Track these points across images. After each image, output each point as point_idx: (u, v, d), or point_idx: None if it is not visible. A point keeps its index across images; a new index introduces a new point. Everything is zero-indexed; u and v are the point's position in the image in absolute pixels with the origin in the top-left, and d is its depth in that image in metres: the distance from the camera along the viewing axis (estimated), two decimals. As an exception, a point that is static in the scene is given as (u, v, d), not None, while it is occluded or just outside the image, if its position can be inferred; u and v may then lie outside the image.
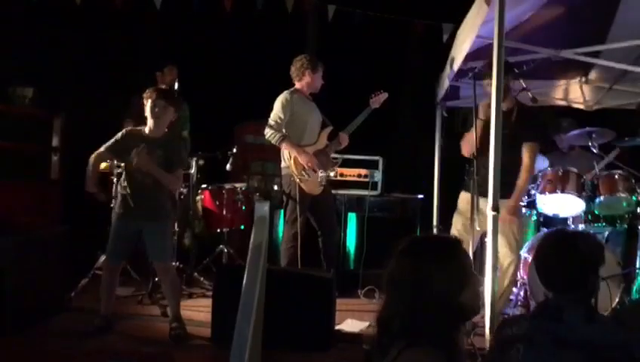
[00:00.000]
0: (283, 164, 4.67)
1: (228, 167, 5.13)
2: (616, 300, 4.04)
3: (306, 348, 3.38)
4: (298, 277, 3.81)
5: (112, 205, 4.63)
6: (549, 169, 4.57)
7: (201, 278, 4.97)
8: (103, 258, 4.24)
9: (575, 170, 4.45)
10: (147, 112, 3.74)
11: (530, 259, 4.29)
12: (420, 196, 5.60)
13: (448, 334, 1.65)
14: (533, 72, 4.39)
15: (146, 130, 3.76)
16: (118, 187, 3.88)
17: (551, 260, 2.06)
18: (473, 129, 3.90)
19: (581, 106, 5.42)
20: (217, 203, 5.12)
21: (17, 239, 3.74)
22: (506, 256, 3.70)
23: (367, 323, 3.92)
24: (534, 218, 4.81)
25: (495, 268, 3.17)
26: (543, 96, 5.17)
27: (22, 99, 5.31)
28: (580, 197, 4.35)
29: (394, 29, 6.37)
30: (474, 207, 3.56)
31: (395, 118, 6.92)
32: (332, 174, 4.92)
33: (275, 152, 4.86)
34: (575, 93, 5.37)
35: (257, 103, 6.33)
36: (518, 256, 3.89)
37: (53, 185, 5.43)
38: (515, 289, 4.19)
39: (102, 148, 3.76)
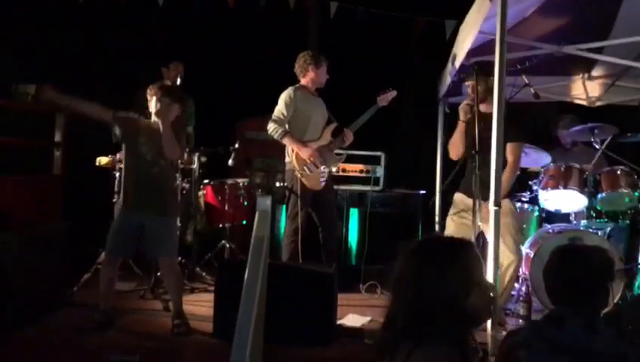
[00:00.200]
0: (286, 159, 4.69)
1: (230, 162, 5.14)
2: (619, 295, 4.04)
3: (308, 343, 3.39)
4: (300, 272, 3.82)
5: (114, 200, 4.64)
6: (551, 165, 4.58)
7: (203, 273, 4.98)
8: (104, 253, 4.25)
9: (577, 165, 4.46)
10: (152, 109, 3.74)
11: (532, 254, 4.30)
12: (422, 192, 5.60)
13: (455, 337, 1.61)
14: (536, 68, 4.39)
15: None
16: (122, 181, 3.88)
17: (561, 273, 2.05)
18: (457, 131, 3.94)
19: (584, 102, 5.42)
20: (219, 198, 5.13)
21: (19, 235, 3.75)
22: (504, 255, 3.69)
23: (368, 318, 3.93)
24: (536, 214, 4.81)
25: (497, 263, 3.18)
26: (546, 92, 5.17)
27: (24, 95, 5.31)
28: (582, 192, 4.36)
29: (396, 25, 6.37)
30: (475, 207, 3.55)
31: (398, 114, 6.91)
32: (334, 170, 4.93)
33: (277, 148, 4.86)
34: (578, 89, 5.37)
35: (259, 99, 6.33)
36: (519, 255, 3.89)
37: (56, 181, 5.44)
38: (516, 285, 4.19)
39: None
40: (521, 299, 4.05)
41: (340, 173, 5.32)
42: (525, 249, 4.43)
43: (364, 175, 5.44)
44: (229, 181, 5.22)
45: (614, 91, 5.24)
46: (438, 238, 1.98)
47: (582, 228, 4.41)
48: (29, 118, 5.32)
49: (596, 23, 4.06)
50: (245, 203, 5.19)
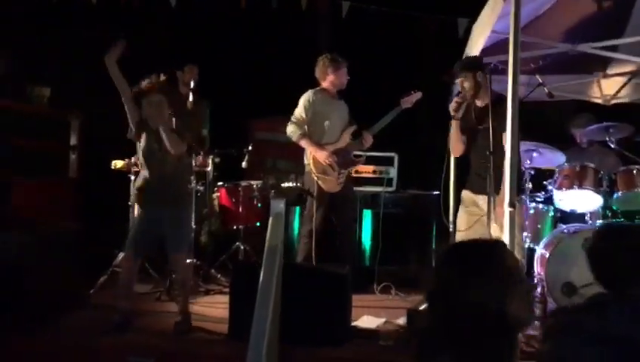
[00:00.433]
0: (305, 162, 4.74)
1: (243, 164, 5.17)
2: None
3: (322, 344, 3.39)
4: (314, 273, 3.83)
5: (129, 203, 4.68)
6: (565, 165, 4.54)
7: (218, 275, 5.00)
8: (121, 255, 4.28)
9: (592, 165, 4.42)
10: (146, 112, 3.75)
11: (547, 255, 4.27)
12: (436, 192, 5.58)
13: (493, 349, 1.48)
14: (550, 66, 4.36)
15: None
16: (137, 180, 3.91)
17: (609, 252, 1.89)
18: (452, 130, 3.97)
19: (599, 101, 5.37)
20: (233, 200, 5.15)
21: (35, 236, 3.79)
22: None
23: (383, 320, 3.92)
24: (551, 214, 4.77)
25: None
26: (560, 91, 5.13)
27: (40, 98, 5.37)
28: (597, 192, 4.32)
29: (408, 24, 6.35)
30: (490, 205, 3.56)
31: (410, 114, 6.90)
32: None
33: (289, 149, 4.89)
34: (593, 87, 5.33)
35: (272, 100, 6.35)
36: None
37: (71, 183, 5.50)
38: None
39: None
40: (536, 299, 4.02)
41: (353, 174, 5.32)
42: (540, 249, 4.40)
43: (376, 176, 5.44)
44: (243, 183, 5.24)
45: (630, 89, 5.20)
46: (465, 243, 1.87)
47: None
48: (44, 121, 5.38)
49: (611, 21, 4.03)
50: (259, 205, 5.20)
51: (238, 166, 5.20)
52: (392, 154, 5.52)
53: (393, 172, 5.49)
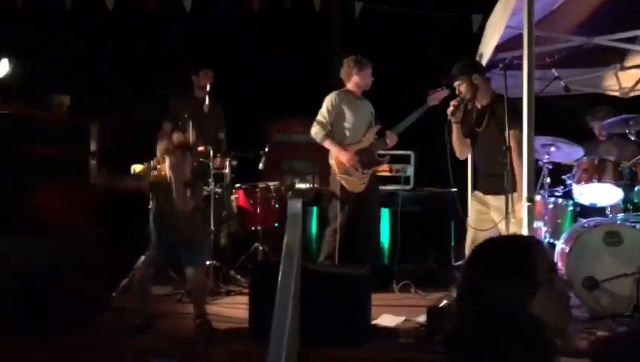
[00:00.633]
0: (330, 162, 4.79)
1: (260, 166, 5.20)
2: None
3: (342, 344, 3.39)
4: (333, 274, 3.83)
5: (149, 206, 4.74)
6: (584, 158, 4.50)
7: (238, 276, 5.03)
8: (142, 258, 4.33)
9: (612, 158, 4.38)
10: (166, 167, 3.83)
11: (567, 249, 4.23)
12: (454, 189, 5.56)
13: (518, 352, 1.38)
14: (566, 60, 4.33)
15: None
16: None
17: None
18: (454, 134, 4.06)
19: (616, 93, 5.31)
20: (251, 201, 5.19)
21: (59, 241, 3.86)
22: None
23: (403, 318, 3.92)
24: (571, 208, 4.73)
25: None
26: (577, 84, 5.08)
27: (59, 106, 5.45)
28: (617, 185, 4.27)
29: (422, 23, 6.33)
30: (508, 204, 3.57)
31: (426, 111, 6.88)
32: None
33: (306, 150, 4.93)
34: (610, 80, 5.27)
35: (287, 101, 6.37)
36: None
37: (92, 189, 5.57)
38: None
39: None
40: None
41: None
42: (560, 244, 4.36)
43: (393, 174, 5.44)
44: (261, 184, 5.28)
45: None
46: (496, 241, 1.80)
47: (619, 222, 4.32)
48: (64, 128, 5.46)
49: (627, 11, 3.98)
50: (276, 205, 5.24)
51: (255, 168, 5.23)
52: (409, 152, 5.50)
53: (410, 170, 5.48)
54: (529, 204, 3.13)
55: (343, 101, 4.78)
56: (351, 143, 4.75)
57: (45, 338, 3.41)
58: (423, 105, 4.80)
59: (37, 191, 4.90)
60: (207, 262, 4.60)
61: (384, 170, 5.42)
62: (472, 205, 4.18)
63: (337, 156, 4.69)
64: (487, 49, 4.18)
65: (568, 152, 4.63)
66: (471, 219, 4.15)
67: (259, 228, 5.24)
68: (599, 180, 4.30)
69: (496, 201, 3.86)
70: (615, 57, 4.89)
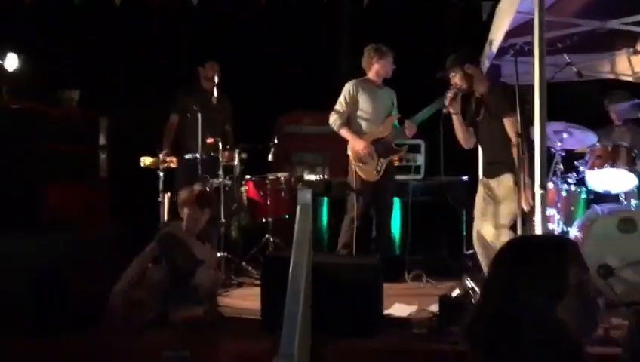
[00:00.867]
0: (348, 152, 4.80)
1: (270, 157, 5.20)
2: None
3: (355, 334, 3.39)
4: (345, 264, 3.83)
5: (159, 199, 4.74)
6: (597, 144, 4.44)
7: (249, 268, 5.04)
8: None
9: (626, 143, 4.32)
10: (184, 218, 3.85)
11: (581, 237, 4.18)
12: (465, 178, 5.52)
13: (539, 354, 1.34)
14: (577, 45, 4.27)
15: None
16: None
17: None
18: (456, 125, 4.15)
19: (629, 78, 5.23)
20: (261, 193, 5.19)
21: (72, 238, 3.87)
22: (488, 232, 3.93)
23: (415, 307, 3.91)
24: (584, 195, 4.68)
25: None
26: (588, 70, 5.01)
27: (69, 101, 5.48)
28: (631, 171, 4.22)
29: (431, 10, 6.27)
30: (521, 190, 3.56)
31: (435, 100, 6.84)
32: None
33: (315, 141, 4.93)
34: (623, 64, 5.19)
35: (296, 93, 6.35)
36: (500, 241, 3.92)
37: (102, 184, 5.59)
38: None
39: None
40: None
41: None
42: (574, 231, 4.31)
43: (404, 164, 5.41)
44: (270, 176, 5.27)
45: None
46: (527, 240, 1.73)
47: (633, 208, 4.26)
48: (75, 123, 5.48)
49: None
50: (287, 197, 5.24)
51: (265, 160, 5.23)
52: (419, 141, 5.47)
53: (421, 159, 5.45)
54: (542, 191, 3.10)
55: (361, 90, 4.79)
56: (368, 132, 4.76)
57: (57, 338, 3.43)
58: (441, 96, 4.74)
59: (49, 187, 4.92)
60: (219, 254, 4.60)
61: (394, 159, 5.39)
62: (478, 193, 4.20)
63: (352, 144, 4.71)
64: (497, 35, 4.13)
65: (581, 138, 4.58)
66: (476, 208, 4.16)
67: (269, 219, 5.25)
68: (613, 166, 4.25)
69: (497, 182, 3.96)
70: (628, 40, 4.80)
